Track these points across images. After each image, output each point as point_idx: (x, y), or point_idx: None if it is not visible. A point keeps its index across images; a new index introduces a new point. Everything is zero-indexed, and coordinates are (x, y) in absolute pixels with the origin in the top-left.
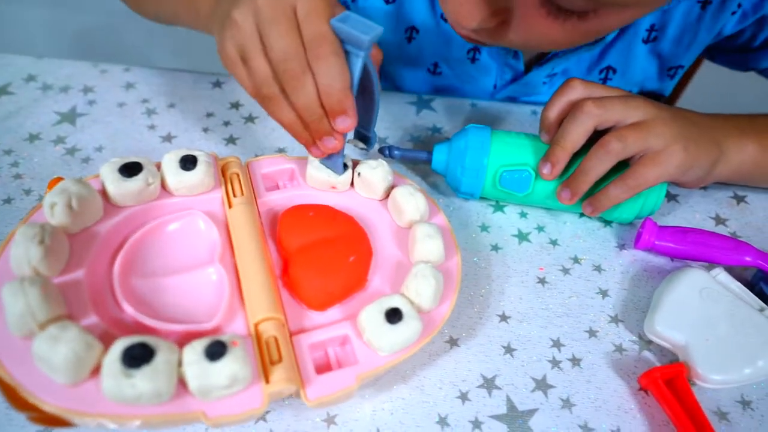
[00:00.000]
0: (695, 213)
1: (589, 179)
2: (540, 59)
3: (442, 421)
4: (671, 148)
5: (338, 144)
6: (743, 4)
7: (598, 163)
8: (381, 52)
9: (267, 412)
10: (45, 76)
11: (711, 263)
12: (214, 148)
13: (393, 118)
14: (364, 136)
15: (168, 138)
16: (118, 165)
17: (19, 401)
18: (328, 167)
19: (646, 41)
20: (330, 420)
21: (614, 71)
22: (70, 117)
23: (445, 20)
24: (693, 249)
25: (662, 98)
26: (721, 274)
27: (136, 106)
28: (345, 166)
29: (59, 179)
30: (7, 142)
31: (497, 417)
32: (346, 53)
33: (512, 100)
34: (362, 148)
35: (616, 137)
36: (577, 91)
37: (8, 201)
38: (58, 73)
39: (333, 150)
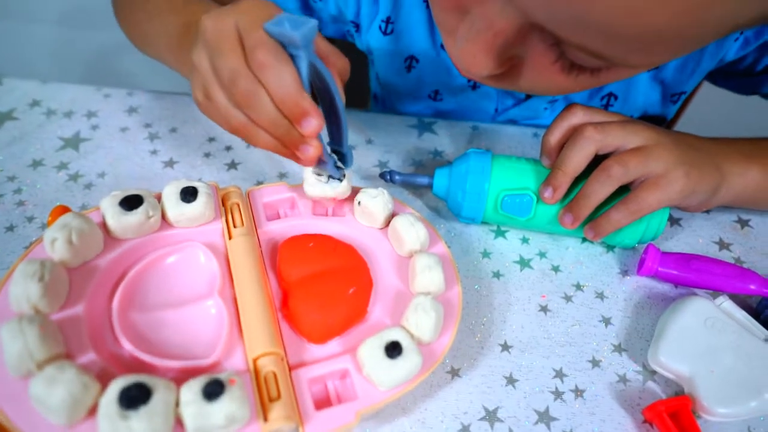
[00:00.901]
0: (698, 237)
1: (590, 203)
2: None
3: None
4: (672, 173)
5: (316, 150)
6: (745, 31)
7: (600, 188)
8: (347, 61)
9: None
10: (49, 101)
11: (715, 291)
12: (215, 173)
13: (394, 141)
14: (339, 153)
15: (170, 163)
16: (118, 199)
17: None
18: (324, 174)
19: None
20: None
21: (615, 98)
22: (74, 142)
23: (445, 49)
24: (697, 276)
25: (664, 122)
26: (725, 303)
27: (139, 131)
28: (339, 168)
29: (61, 207)
30: (11, 169)
31: None
32: (291, 57)
33: (513, 123)
34: (339, 168)
35: (618, 161)
36: (577, 116)
37: (11, 228)
38: (62, 98)
39: (314, 156)
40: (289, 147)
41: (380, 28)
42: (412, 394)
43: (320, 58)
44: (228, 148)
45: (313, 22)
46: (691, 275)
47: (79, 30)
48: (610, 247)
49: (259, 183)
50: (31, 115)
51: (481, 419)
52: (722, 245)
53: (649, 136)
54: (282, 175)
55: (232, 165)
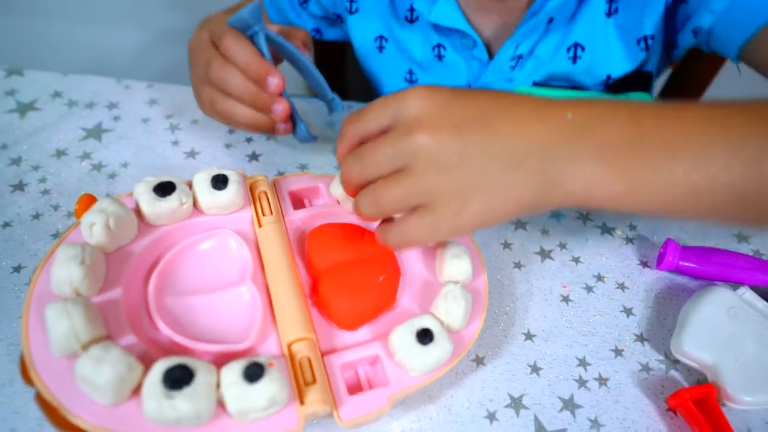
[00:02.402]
0: (717, 230)
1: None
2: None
3: None
4: (441, 212)
5: (284, 106)
6: None
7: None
8: (305, 30)
9: None
10: (70, 92)
11: (735, 283)
12: (237, 164)
13: None
14: (326, 101)
15: (191, 154)
16: (152, 185)
17: (60, 420)
18: (306, 142)
19: (608, 14)
20: None
21: (582, 48)
22: (96, 133)
23: (409, 21)
24: (717, 270)
25: (649, 75)
26: (747, 293)
27: (160, 122)
28: (311, 134)
29: (88, 195)
30: (35, 158)
31: None
32: (251, 38)
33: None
34: (311, 134)
35: (369, 194)
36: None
37: (37, 216)
38: (83, 89)
39: (284, 113)
40: (262, 109)
41: (346, 8)
42: (438, 382)
43: (282, 34)
44: (248, 140)
45: (254, 3)
46: (712, 268)
47: (98, 26)
48: (629, 239)
49: (281, 173)
50: (53, 106)
51: (507, 406)
52: (741, 238)
53: (415, 114)
54: (303, 167)
55: (254, 156)
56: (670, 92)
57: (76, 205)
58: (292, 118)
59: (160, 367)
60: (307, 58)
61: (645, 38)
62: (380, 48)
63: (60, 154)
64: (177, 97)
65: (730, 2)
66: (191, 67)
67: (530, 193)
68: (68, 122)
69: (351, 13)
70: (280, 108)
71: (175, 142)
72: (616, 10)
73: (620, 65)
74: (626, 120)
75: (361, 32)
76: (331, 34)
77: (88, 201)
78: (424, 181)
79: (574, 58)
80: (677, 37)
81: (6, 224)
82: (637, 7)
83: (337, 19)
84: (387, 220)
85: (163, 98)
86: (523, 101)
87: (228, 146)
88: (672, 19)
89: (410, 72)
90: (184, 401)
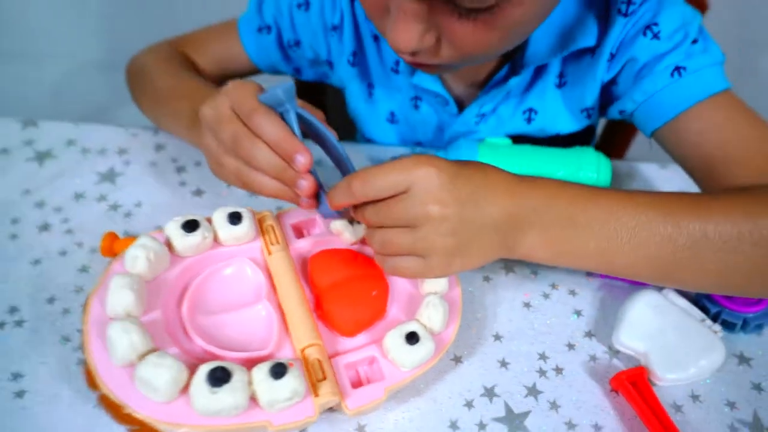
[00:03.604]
0: None
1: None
2: (473, 98)
3: (453, 425)
4: (434, 260)
5: (310, 183)
6: (615, 52)
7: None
8: (322, 113)
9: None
10: (83, 140)
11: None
12: (239, 201)
13: None
14: None
15: (198, 193)
16: (179, 223)
17: (123, 417)
18: (327, 217)
19: (558, 86)
20: (360, 429)
21: (535, 112)
22: (110, 176)
23: (394, 72)
24: None
25: (591, 135)
26: (670, 294)
27: (167, 165)
28: (336, 213)
29: (111, 233)
30: (56, 201)
31: (498, 419)
32: (280, 115)
33: (456, 139)
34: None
35: (383, 236)
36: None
37: (63, 253)
38: (95, 138)
39: (309, 190)
40: (288, 184)
41: (348, 61)
42: (424, 378)
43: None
44: None
45: (291, 82)
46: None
47: (90, 71)
48: None
49: (279, 208)
50: (69, 153)
51: (482, 395)
52: None
53: (428, 189)
54: None
55: (253, 194)
56: (610, 128)
57: (102, 242)
58: (317, 193)
59: (204, 369)
60: (333, 136)
61: (587, 109)
62: (370, 94)
63: (78, 196)
64: (180, 142)
65: (648, 97)
66: (208, 133)
67: (494, 254)
68: (83, 168)
69: (353, 66)
70: (306, 184)
71: (182, 183)
72: (564, 83)
73: (567, 127)
74: (566, 203)
75: (356, 79)
76: (309, 74)
77: (112, 238)
78: (428, 241)
79: (529, 120)
80: (608, 110)
81: (36, 261)
82: (581, 83)
83: (324, 64)
84: None
85: (169, 143)
86: (503, 184)
87: (230, 186)
88: (605, 97)
89: (392, 114)
90: (226, 395)
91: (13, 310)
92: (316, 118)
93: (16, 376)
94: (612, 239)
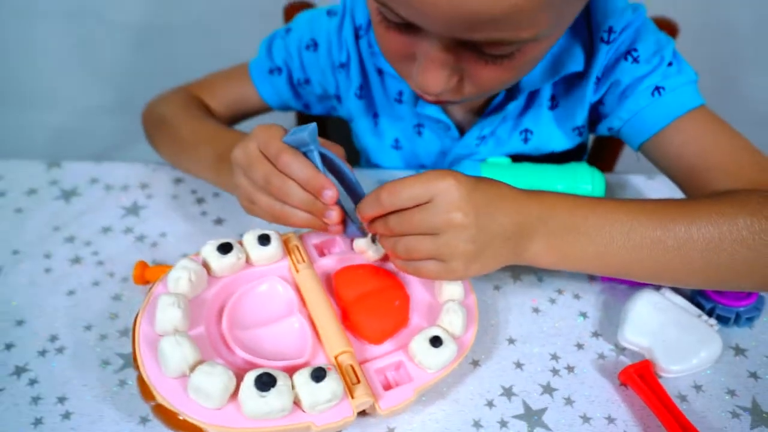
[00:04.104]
0: None
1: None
2: (472, 122)
3: (477, 424)
4: (454, 263)
5: (337, 213)
6: (601, 75)
7: (385, 247)
8: (341, 147)
9: None
10: (105, 177)
11: (659, 286)
12: (257, 226)
13: None
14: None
15: (219, 222)
16: (215, 246)
17: (179, 423)
18: (354, 237)
19: (550, 108)
20: (391, 431)
21: (531, 132)
22: (134, 210)
23: (398, 102)
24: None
25: (583, 151)
26: (667, 292)
27: (187, 197)
28: (363, 232)
29: (141, 262)
30: (85, 236)
31: (518, 416)
32: (305, 154)
33: (459, 159)
34: (362, 230)
35: (408, 246)
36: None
37: (96, 284)
38: (116, 174)
39: (337, 219)
40: (318, 216)
41: (356, 94)
42: (446, 382)
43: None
44: None
45: (314, 124)
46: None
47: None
48: None
49: (297, 231)
50: (93, 190)
51: (501, 395)
52: None
53: (450, 200)
54: None
55: None
56: (599, 143)
57: (134, 271)
58: (344, 219)
59: (251, 376)
60: (353, 174)
61: (578, 127)
62: (375, 123)
63: (106, 230)
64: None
65: (632, 115)
66: (240, 174)
67: (506, 259)
68: (108, 203)
69: (360, 98)
70: (334, 215)
71: (203, 213)
72: (556, 105)
73: (560, 144)
74: (567, 213)
75: (362, 110)
76: (317, 109)
77: (143, 267)
78: (450, 246)
79: (525, 140)
80: (597, 127)
81: (71, 292)
82: (572, 104)
83: (332, 98)
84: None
85: (188, 177)
86: (512, 197)
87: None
88: (593, 116)
89: (396, 141)
90: (273, 398)
91: (53, 338)
92: (336, 155)
93: (62, 400)
94: (608, 244)
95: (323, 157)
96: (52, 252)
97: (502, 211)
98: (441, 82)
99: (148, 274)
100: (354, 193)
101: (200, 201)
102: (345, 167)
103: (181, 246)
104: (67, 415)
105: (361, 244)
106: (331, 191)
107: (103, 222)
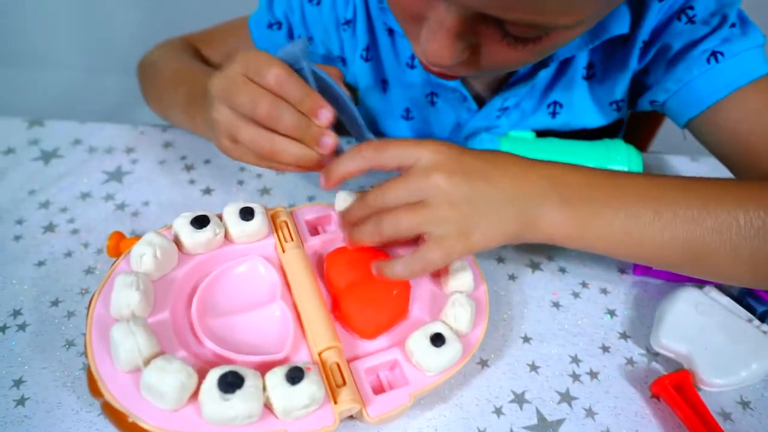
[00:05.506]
0: None
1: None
2: (493, 91)
3: None
4: (451, 237)
5: (333, 139)
6: (648, 39)
7: (367, 236)
8: (339, 70)
9: None
10: (89, 139)
11: (700, 283)
12: (250, 198)
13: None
14: (362, 140)
15: (207, 191)
16: (189, 219)
17: (128, 426)
18: (353, 194)
19: (585, 78)
20: None
21: (561, 105)
22: (117, 175)
23: (409, 67)
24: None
25: (619, 130)
26: (712, 291)
27: (176, 163)
28: None
29: (117, 233)
30: (62, 201)
31: (530, 428)
32: (297, 72)
33: (476, 133)
34: None
35: (391, 215)
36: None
37: (69, 254)
38: (101, 136)
39: (332, 146)
40: (311, 143)
41: (362, 56)
42: (448, 384)
43: None
44: (259, 176)
45: (304, 38)
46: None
47: (100, 74)
48: None
49: (291, 205)
50: (75, 152)
51: (511, 402)
52: None
53: (433, 161)
54: (311, 198)
55: (265, 191)
56: (633, 119)
57: (108, 242)
58: (337, 153)
59: (214, 375)
60: (347, 94)
61: (617, 101)
62: (384, 89)
63: (85, 196)
64: (189, 139)
65: (682, 86)
66: (219, 105)
67: (512, 228)
68: (90, 167)
69: (366, 60)
70: (330, 141)
71: (191, 181)
72: (593, 75)
73: (594, 121)
74: (584, 182)
75: (369, 75)
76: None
77: (118, 238)
78: (439, 213)
79: (554, 114)
80: (637, 101)
81: (41, 263)
82: (612, 73)
83: (336, 60)
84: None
85: (177, 141)
86: (513, 162)
87: (240, 182)
88: (634, 88)
89: (407, 110)
90: (238, 402)
91: (16, 313)
92: (330, 76)
93: (18, 383)
94: (635, 218)
95: (318, 80)
96: (25, 217)
97: (500, 174)
98: (450, 55)
99: (123, 247)
100: (354, 126)
101: (189, 168)
102: (343, 93)
103: (163, 216)
104: (21, 401)
105: (343, 207)
106: (328, 110)
107: (83, 187)
